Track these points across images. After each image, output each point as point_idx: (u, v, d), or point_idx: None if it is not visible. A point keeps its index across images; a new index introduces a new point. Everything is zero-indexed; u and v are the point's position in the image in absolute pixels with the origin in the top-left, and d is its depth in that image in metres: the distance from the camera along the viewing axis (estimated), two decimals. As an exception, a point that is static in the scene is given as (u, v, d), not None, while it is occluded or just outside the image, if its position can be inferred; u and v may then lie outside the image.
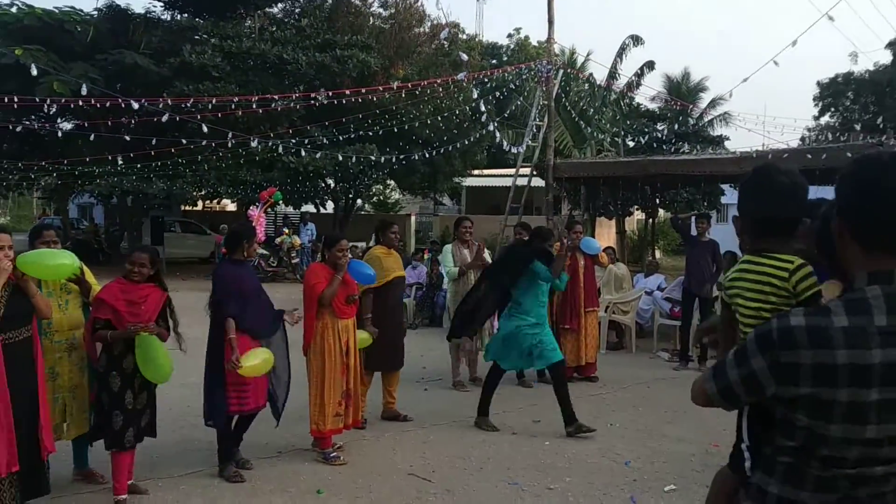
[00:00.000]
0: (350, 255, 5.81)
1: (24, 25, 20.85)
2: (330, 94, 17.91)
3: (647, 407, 7.39)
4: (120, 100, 14.97)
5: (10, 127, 18.15)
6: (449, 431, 6.45)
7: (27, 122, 21.62)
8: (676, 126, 28.06)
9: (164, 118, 15.54)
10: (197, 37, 22.51)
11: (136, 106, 14.81)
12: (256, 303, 5.34)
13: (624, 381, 8.53)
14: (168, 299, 4.87)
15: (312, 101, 17.77)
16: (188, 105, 17.18)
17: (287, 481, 5.18)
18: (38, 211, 40.95)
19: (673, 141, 27.81)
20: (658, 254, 25.63)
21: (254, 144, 16.99)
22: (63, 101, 16.80)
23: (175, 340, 4.83)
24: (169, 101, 16.86)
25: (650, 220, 23.62)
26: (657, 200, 22.89)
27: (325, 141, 19.77)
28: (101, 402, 4.73)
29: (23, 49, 17.94)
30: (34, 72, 13.44)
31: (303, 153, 18.46)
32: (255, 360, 5.03)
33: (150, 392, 4.88)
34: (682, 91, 28.62)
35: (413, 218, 27.90)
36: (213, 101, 17.26)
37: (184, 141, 17.80)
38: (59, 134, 18.71)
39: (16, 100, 14.77)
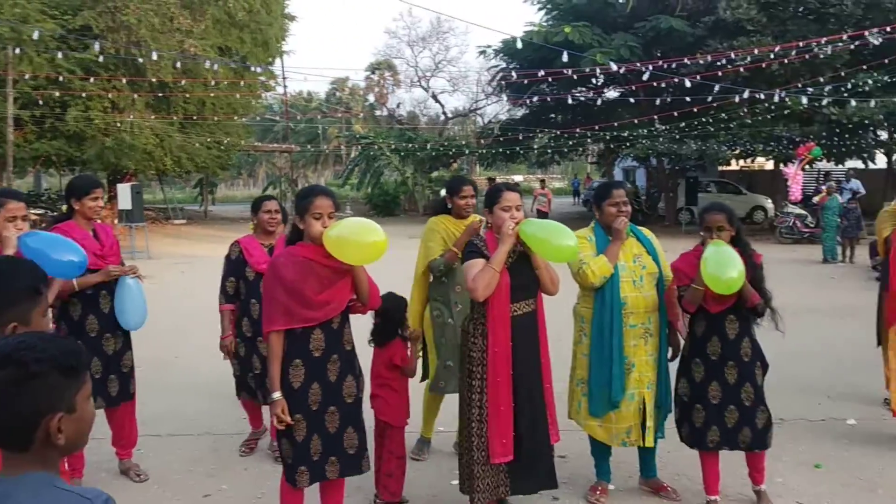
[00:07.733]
0: None
1: (573, 5, 22.99)
2: (887, 30, 15.66)
3: None
4: (645, 66, 15.49)
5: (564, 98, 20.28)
6: None
7: (577, 94, 23.88)
8: None
9: (699, 78, 15.54)
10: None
11: (679, 80, 15.18)
12: None
13: None
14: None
15: (860, 43, 15.95)
16: (721, 62, 16.95)
17: (782, 450, 4.92)
18: (583, 176, 44.93)
19: None
20: None
21: (804, 101, 16.07)
22: (606, 70, 18.05)
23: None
24: (700, 61, 16.90)
25: None
26: None
27: (873, 86, 17.68)
28: (679, 392, 4.04)
29: (571, 27, 19.81)
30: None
31: (852, 102, 16.92)
32: None
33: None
34: None
35: None
36: (748, 56, 16.76)
37: (709, 99, 17.56)
38: (602, 102, 20.24)
39: (571, 73, 16.27)
